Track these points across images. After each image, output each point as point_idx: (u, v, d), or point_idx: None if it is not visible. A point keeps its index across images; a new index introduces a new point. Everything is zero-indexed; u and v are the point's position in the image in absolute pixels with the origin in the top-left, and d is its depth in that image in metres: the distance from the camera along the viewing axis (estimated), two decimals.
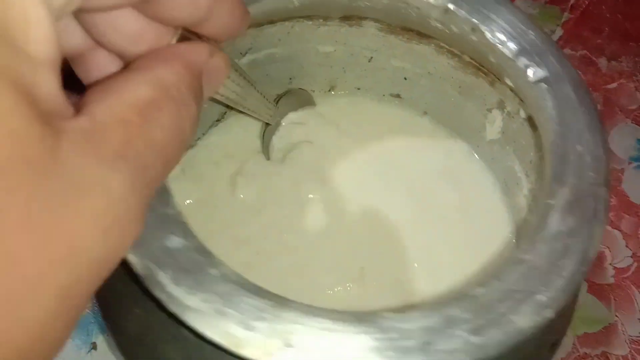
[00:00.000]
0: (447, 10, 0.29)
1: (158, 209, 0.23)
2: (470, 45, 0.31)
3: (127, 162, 0.14)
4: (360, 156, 0.39)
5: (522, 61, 0.27)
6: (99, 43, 0.19)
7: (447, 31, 0.31)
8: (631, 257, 0.42)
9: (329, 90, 0.43)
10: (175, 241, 0.22)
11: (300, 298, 0.22)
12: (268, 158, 0.38)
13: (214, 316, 0.21)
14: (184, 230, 0.23)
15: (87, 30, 0.18)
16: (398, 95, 0.42)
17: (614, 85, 0.50)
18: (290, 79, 0.41)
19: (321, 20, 0.38)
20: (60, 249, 0.12)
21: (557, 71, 0.27)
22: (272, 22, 0.37)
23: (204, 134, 0.40)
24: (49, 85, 0.13)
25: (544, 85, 0.26)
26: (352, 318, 0.21)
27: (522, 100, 0.28)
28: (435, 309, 0.20)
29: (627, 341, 0.39)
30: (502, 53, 0.28)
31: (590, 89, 0.42)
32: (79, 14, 0.18)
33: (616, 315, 0.40)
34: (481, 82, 0.35)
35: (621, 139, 0.47)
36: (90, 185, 0.13)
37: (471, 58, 0.35)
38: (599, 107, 0.47)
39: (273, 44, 0.39)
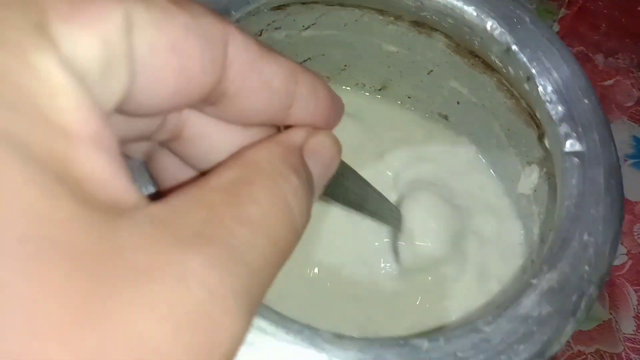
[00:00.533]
0: (508, 49, 0.28)
1: None
2: (524, 92, 0.29)
3: (212, 242, 0.11)
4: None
5: (564, 128, 0.25)
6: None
7: (504, 70, 0.29)
8: (626, 254, 0.42)
9: (380, 89, 0.41)
10: None
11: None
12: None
13: None
14: None
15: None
16: (446, 117, 0.40)
17: (611, 82, 0.49)
18: (345, 65, 0.41)
19: (392, 19, 0.36)
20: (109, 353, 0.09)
21: (596, 150, 0.25)
22: (342, 4, 0.36)
23: None
24: (93, 164, 0.10)
25: (575, 160, 0.24)
26: (295, 327, 0.21)
27: (552, 167, 0.27)
28: (366, 349, 0.20)
29: (622, 339, 0.39)
30: (548, 113, 0.26)
31: None
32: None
33: (610, 313, 0.39)
34: (530, 132, 0.34)
35: (617, 136, 0.46)
36: (157, 269, 0.10)
37: (527, 105, 0.33)
38: None
39: (338, 27, 0.38)
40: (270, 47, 0.16)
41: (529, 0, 0.52)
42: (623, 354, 0.38)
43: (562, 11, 0.51)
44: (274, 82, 0.15)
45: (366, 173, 0.37)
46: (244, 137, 0.16)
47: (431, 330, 0.26)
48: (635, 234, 0.42)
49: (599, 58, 0.49)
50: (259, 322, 0.21)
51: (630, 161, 0.46)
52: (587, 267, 0.22)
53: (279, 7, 0.34)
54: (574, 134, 0.25)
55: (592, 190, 0.24)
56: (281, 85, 0.15)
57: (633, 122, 0.47)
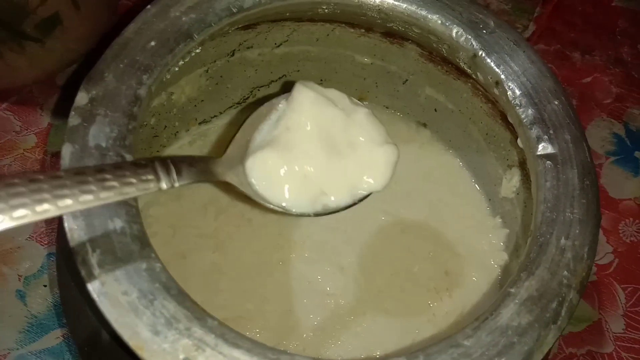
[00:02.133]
0: (475, 56, 0.27)
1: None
2: (496, 97, 0.29)
3: None
4: None
5: (535, 131, 0.25)
6: None
7: (474, 77, 0.29)
8: (612, 253, 0.41)
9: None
10: (117, 224, 0.22)
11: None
12: None
13: (127, 310, 0.20)
14: (131, 214, 0.22)
15: None
16: (424, 125, 0.40)
17: (589, 79, 0.49)
18: (321, 80, 0.40)
19: (363, 31, 0.36)
20: None
21: (569, 151, 0.24)
22: (312, 20, 0.36)
23: (220, 113, 0.40)
24: None
25: (548, 163, 0.24)
26: (271, 354, 0.21)
27: (527, 171, 0.26)
28: None
29: (612, 338, 0.38)
30: (519, 116, 0.26)
31: (565, 84, 0.39)
32: None
33: (600, 313, 0.39)
34: (507, 135, 0.33)
35: (598, 134, 0.46)
36: None
37: (496, 102, 0.32)
38: (574, 102, 0.46)
39: (310, 42, 0.38)
40: None
41: (503, 0, 0.52)
42: (614, 353, 0.38)
43: (538, 10, 0.51)
44: None
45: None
46: None
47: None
48: (620, 231, 0.42)
49: (576, 56, 0.49)
50: (232, 351, 0.20)
51: (612, 158, 0.45)
52: (566, 272, 0.22)
53: (248, 27, 0.34)
54: (545, 137, 0.25)
55: (567, 193, 0.23)
56: None
57: (613, 118, 0.47)
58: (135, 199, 0.23)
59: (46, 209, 0.16)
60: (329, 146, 0.27)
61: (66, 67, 0.44)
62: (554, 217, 0.23)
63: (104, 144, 0.23)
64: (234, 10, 0.28)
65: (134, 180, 0.19)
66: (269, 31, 0.36)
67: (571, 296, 0.21)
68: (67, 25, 0.38)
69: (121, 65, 0.25)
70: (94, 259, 0.21)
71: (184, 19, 0.27)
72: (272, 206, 0.27)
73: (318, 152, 0.26)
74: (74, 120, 0.23)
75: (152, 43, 0.26)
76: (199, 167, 0.23)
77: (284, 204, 0.27)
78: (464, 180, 0.38)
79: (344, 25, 0.36)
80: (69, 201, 0.16)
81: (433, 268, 0.35)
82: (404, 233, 0.36)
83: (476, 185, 0.37)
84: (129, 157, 0.23)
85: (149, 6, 0.26)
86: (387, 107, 0.41)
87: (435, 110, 0.38)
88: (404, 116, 0.40)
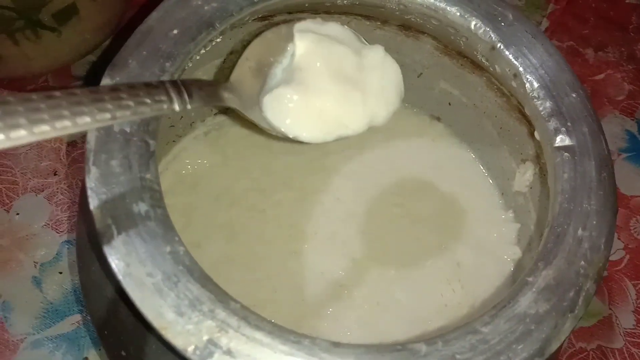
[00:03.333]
0: (494, 48, 0.28)
1: (136, 171, 0.23)
2: (513, 90, 0.29)
3: None
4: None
5: (553, 123, 0.25)
6: None
7: (491, 69, 0.29)
8: (623, 249, 0.42)
9: None
10: (142, 207, 0.22)
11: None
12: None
13: (151, 292, 0.21)
14: (155, 198, 0.23)
15: None
16: (438, 119, 0.40)
17: (602, 76, 0.49)
18: None
19: (379, 24, 0.36)
20: None
21: (586, 143, 0.24)
22: (328, 12, 0.36)
23: None
24: None
25: (566, 155, 0.24)
26: (292, 337, 0.21)
27: (541, 165, 0.26)
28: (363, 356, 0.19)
29: (622, 334, 0.38)
30: (536, 109, 0.26)
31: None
32: None
33: (610, 309, 0.39)
34: (523, 129, 0.33)
35: (610, 131, 0.46)
36: None
37: (518, 102, 0.33)
38: None
39: None
40: None
41: None
42: (624, 349, 0.38)
43: (551, 6, 0.51)
44: None
45: (363, 172, 0.38)
46: None
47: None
48: (631, 228, 0.42)
49: (589, 52, 0.49)
50: (254, 333, 0.20)
51: (624, 155, 0.45)
52: (582, 262, 0.22)
53: (264, 18, 0.34)
54: (563, 129, 0.25)
55: (584, 184, 0.24)
56: None
57: (625, 115, 0.47)
58: (158, 183, 0.23)
59: (65, 126, 0.16)
60: (342, 79, 0.27)
61: (82, 57, 0.44)
62: (571, 208, 0.23)
63: (128, 129, 0.23)
64: None
65: (148, 100, 0.19)
66: (284, 22, 0.36)
67: (588, 286, 0.22)
68: (83, 15, 0.39)
69: (144, 53, 0.25)
70: (118, 240, 0.21)
71: (205, 7, 0.27)
72: (283, 134, 0.28)
73: (332, 86, 0.27)
74: None
75: (175, 31, 0.26)
76: (207, 91, 0.24)
77: (298, 134, 0.27)
78: (477, 173, 0.38)
79: (360, 17, 0.36)
80: (87, 118, 0.16)
81: (444, 260, 0.35)
82: (416, 224, 0.36)
83: (489, 179, 0.37)
84: (152, 143, 0.23)
85: None
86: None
87: (449, 103, 0.39)
88: (417, 110, 0.40)
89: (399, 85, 0.30)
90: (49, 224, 0.39)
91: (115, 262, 0.21)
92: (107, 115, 0.17)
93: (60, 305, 0.37)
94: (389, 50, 0.38)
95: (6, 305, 0.37)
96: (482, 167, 0.38)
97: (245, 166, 0.37)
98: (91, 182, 0.22)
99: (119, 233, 0.21)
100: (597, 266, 0.22)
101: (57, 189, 0.41)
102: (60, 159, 0.42)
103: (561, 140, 0.25)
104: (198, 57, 0.27)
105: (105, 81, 0.24)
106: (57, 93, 0.16)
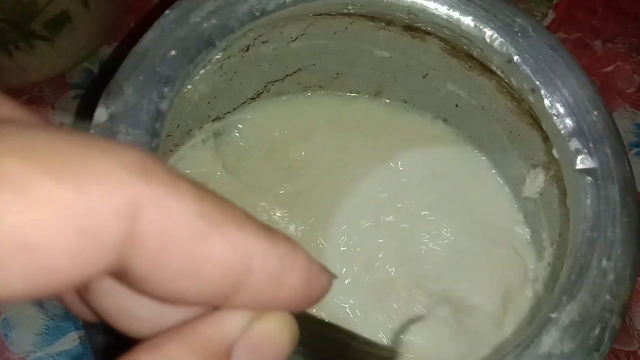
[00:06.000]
0: (510, 61, 0.26)
1: None
2: (531, 104, 0.28)
3: None
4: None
5: (575, 144, 0.24)
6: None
7: (505, 81, 0.28)
8: None
9: (375, 95, 0.40)
10: None
11: None
12: None
13: None
14: None
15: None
16: (445, 120, 0.39)
17: (611, 68, 0.47)
18: (338, 74, 0.39)
19: (383, 24, 0.35)
20: None
21: (609, 166, 0.23)
22: (330, 14, 0.34)
23: (234, 109, 0.38)
24: None
25: (588, 179, 0.23)
26: None
27: (559, 170, 0.25)
28: None
29: (636, 336, 0.38)
30: (556, 127, 0.25)
31: (586, 73, 0.39)
32: None
33: None
34: (534, 135, 0.32)
35: (620, 125, 0.45)
36: None
37: (530, 108, 0.31)
38: None
39: (328, 36, 0.36)
40: (243, 214, 0.13)
41: None
42: (639, 351, 0.37)
43: None
44: (204, 267, 0.12)
45: (369, 179, 0.37)
46: (176, 312, 0.13)
47: None
48: None
49: (598, 44, 0.47)
50: None
51: (635, 150, 0.44)
52: (608, 296, 0.21)
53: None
54: (585, 150, 0.24)
55: (608, 210, 0.22)
56: (216, 270, 0.12)
57: (636, 109, 0.45)
58: None
59: None
60: None
61: (77, 64, 0.43)
62: (595, 237, 0.22)
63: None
64: (257, 14, 0.26)
65: None
66: (285, 25, 0.34)
67: (614, 321, 0.21)
68: (76, 23, 0.37)
69: (141, 77, 0.24)
70: None
71: (204, 25, 0.25)
72: None
73: None
74: None
75: (172, 52, 0.24)
76: None
77: None
78: (486, 178, 0.37)
79: (363, 18, 0.35)
80: None
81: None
82: (425, 227, 0.36)
83: (500, 181, 0.36)
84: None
85: (167, 11, 0.25)
86: (405, 102, 0.39)
87: (457, 105, 0.37)
88: (423, 111, 0.39)
89: None
90: None
91: None
92: None
93: (61, 322, 0.36)
94: (393, 51, 0.37)
95: (6, 322, 0.36)
96: (491, 172, 0.37)
97: (247, 176, 0.36)
98: None
99: None
100: (623, 299, 0.21)
101: None
102: None
103: (582, 161, 0.24)
104: (198, 77, 0.26)
105: (100, 111, 0.23)
106: None
